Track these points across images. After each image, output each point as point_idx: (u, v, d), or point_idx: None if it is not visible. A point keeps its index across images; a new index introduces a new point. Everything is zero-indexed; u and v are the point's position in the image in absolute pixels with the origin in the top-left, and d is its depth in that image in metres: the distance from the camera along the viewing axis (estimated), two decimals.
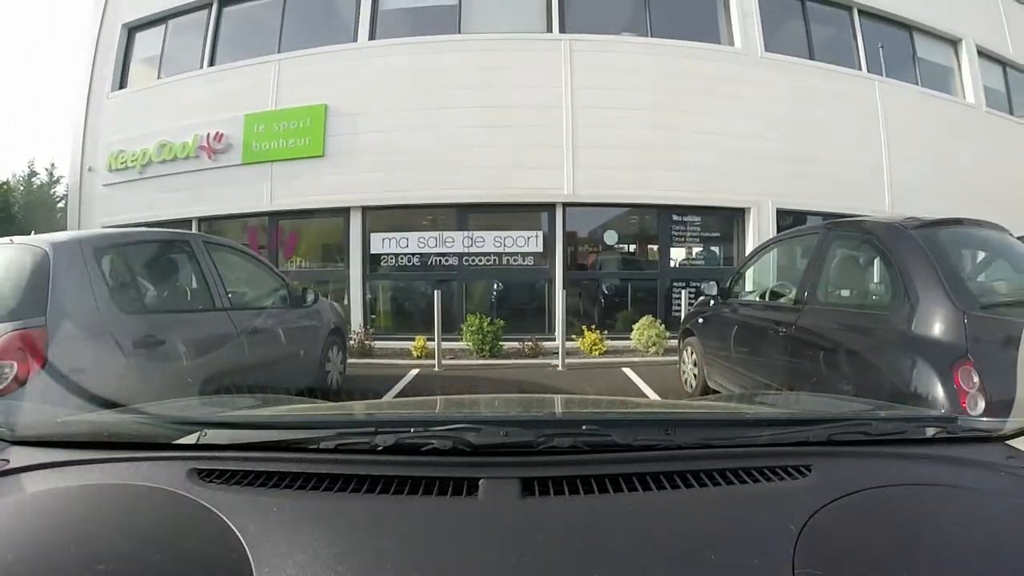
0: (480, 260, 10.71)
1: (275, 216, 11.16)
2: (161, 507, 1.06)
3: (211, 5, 12.52)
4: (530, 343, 9.12)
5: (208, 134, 11.30)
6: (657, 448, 1.23)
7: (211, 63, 12.28)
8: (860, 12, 12.10)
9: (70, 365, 3.27)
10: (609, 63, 10.69)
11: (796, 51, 11.51)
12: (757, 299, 4.98)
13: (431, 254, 10.76)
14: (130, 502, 1.09)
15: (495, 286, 11.00)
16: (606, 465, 1.15)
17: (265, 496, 1.07)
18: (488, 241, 10.53)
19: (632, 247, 11.63)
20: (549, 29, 10.93)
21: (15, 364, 3.05)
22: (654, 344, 8.99)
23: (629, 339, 9.56)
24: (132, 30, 13.54)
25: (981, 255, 3.83)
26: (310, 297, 5.78)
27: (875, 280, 3.71)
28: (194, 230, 10.71)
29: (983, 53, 13.24)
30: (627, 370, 7.95)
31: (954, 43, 13.02)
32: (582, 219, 11.14)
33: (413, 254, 10.78)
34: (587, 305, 10.87)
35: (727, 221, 10.93)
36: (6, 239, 3.74)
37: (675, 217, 10.77)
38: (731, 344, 4.96)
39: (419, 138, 10.49)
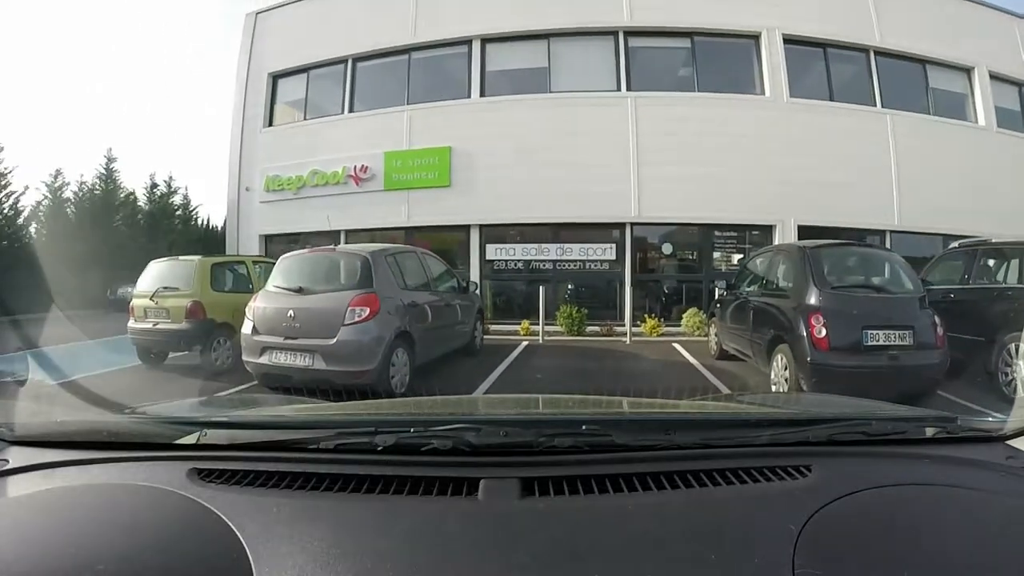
0: (568, 265, 14.17)
1: (411, 230, 14.61)
2: (161, 507, 1.09)
3: (347, 60, 16.26)
4: (606, 326, 12.53)
5: (355, 166, 15.01)
6: (657, 448, 1.27)
7: (351, 108, 16.06)
8: (876, 53, 14.65)
9: (386, 309, 6.38)
10: (665, 114, 13.83)
11: (817, 93, 14.32)
12: (744, 289, 8.08)
13: (532, 260, 14.31)
14: (130, 502, 1.12)
15: (576, 286, 14.28)
16: (606, 465, 1.19)
17: (265, 496, 1.11)
18: (575, 251, 14.00)
19: (683, 255, 14.67)
20: (618, 88, 14.28)
21: (367, 309, 6.32)
22: (697, 328, 12.14)
23: (679, 325, 12.77)
24: (276, 77, 17.52)
25: (852, 261, 6.85)
26: (470, 287, 9.43)
27: (789, 276, 6.75)
28: (341, 241, 14.28)
29: (997, 77, 15.27)
30: (676, 345, 10.93)
31: (967, 71, 15.21)
32: (645, 234, 14.37)
33: (518, 260, 14.40)
34: (649, 299, 14.16)
35: (758, 234, 13.91)
36: (354, 246, 7.32)
37: (716, 233, 14.04)
38: (729, 316, 8.31)
39: (521, 172, 13.89)
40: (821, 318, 5.77)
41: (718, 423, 1.63)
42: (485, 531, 0.99)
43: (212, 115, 65.38)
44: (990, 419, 1.60)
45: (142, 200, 27.90)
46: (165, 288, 8.75)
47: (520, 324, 12.63)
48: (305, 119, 16.93)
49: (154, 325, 8.64)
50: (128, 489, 1.16)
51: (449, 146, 14.49)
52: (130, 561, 0.93)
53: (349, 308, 6.29)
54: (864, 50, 14.75)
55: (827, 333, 5.70)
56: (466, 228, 14.49)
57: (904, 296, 6.27)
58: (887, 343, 5.72)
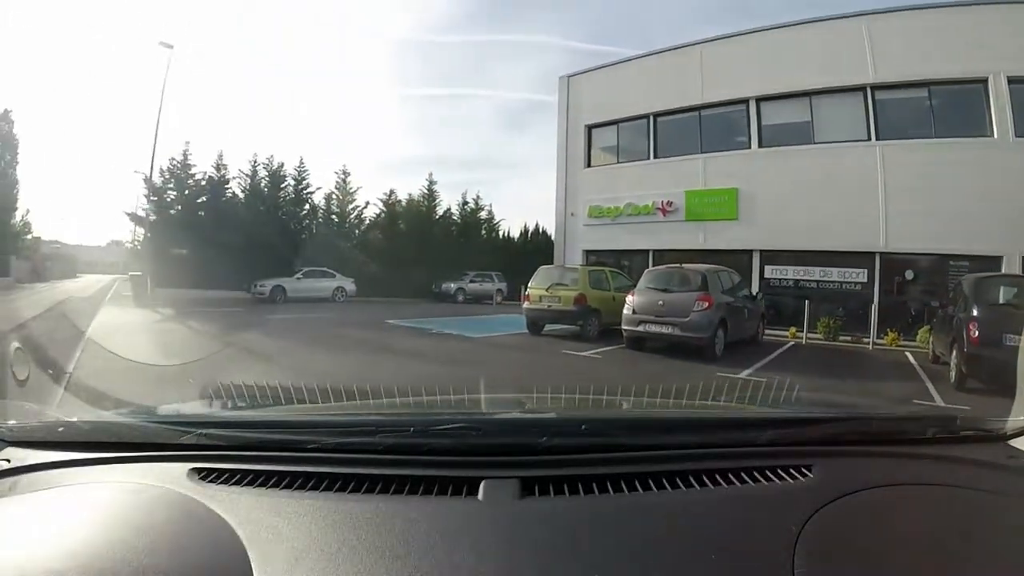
0: (828, 284, 17.64)
1: (705, 252, 18.45)
2: (161, 507, 1.12)
3: (649, 116, 21.70)
4: (855, 336, 15.76)
5: (662, 201, 20.35)
6: (657, 448, 1.31)
7: (655, 155, 21.44)
8: None
9: (715, 304, 11.17)
10: (907, 158, 16.44)
11: None
12: (949, 308, 10.61)
13: (799, 279, 18.11)
14: (130, 502, 1.15)
15: (833, 302, 17.11)
16: (606, 465, 1.22)
17: (265, 496, 1.15)
18: (834, 273, 17.61)
19: (923, 280, 16.72)
20: (868, 137, 17.30)
21: (706, 303, 11.10)
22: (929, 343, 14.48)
23: (915, 340, 14.86)
24: (591, 128, 23.56)
25: (1005, 287, 9.66)
26: (757, 294, 14.31)
27: (964, 296, 9.59)
28: (650, 261, 19.20)
29: None
30: (907, 353, 13.46)
31: None
32: (891, 262, 16.90)
33: (789, 279, 18.33)
34: (892, 316, 16.06)
35: (985, 264, 14.81)
36: (695, 265, 12.55)
37: (951, 262, 16.05)
38: (936, 327, 11.79)
39: (792, 208, 17.74)
40: (974, 325, 8.62)
41: (718, 423, 1.71)
42: (486, 531, 1.02)
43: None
44: (990, 419, 1.59)
45: (456, 214, 36.37)
46: (558, 284, 14.51)
47: (788, 330, 16.17)
48: (618, 162, 22.79)
49: (548, 307, 14.28)
50: (128, 489, 1.18)
51: (736, 187, 19.06)
52: (130, 561, 0.94)
53: (696, 300, 11.21)
54: None
55: (978, 334, 8.46)
56: (749, 252, 18.75)
57: None
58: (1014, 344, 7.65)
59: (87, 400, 4.02)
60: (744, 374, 9.71)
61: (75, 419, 1.54)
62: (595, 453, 1.27)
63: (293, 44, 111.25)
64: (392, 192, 35.05)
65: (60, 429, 1.50)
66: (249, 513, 1.07)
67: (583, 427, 1.45)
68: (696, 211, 19.84)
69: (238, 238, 26.91)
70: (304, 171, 32.52)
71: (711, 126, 20.45)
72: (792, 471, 1.24)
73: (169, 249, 26.10)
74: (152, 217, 27.47)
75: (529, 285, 15.03)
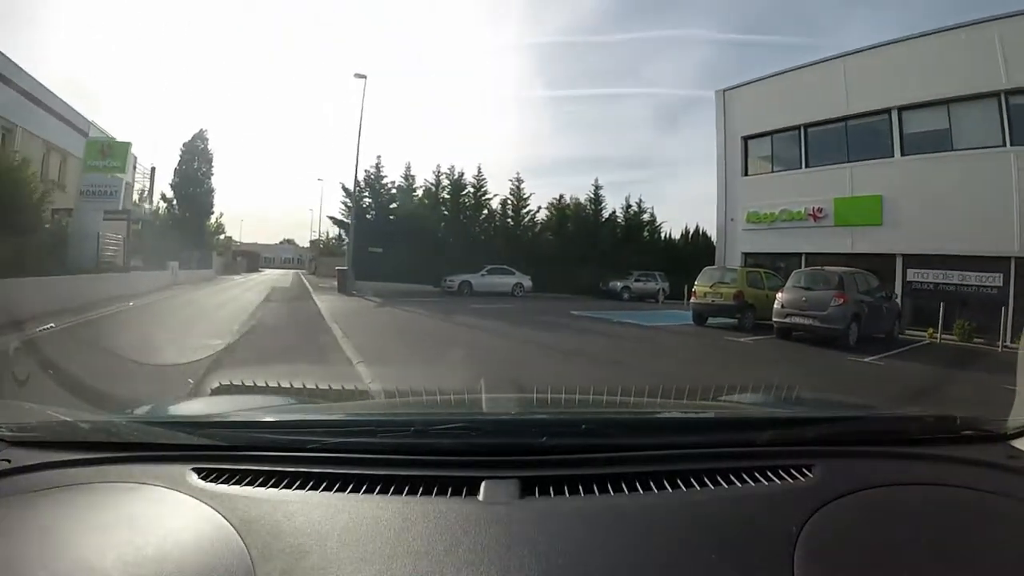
0: (966, 288, 18.61)
1: (852, 256, 20.10)
2: (161, 507, 1.13)
3: (800, 127, 24.06)
4: (988, 338, 16.52)
5: (813, 207, 22.75)
6: (657, 449, 1.33)
7: (806, 164, 23.79)
8: None
9: (850, 300, 13.93)
10: None
11: None
12: None
13: (939, 283, 19.27)
14: (130, 502, 1.16)
15: (969, 304, 18.00)
16: (606, 466, 1.24)
17: (265, 496, 1.16)
18: (971, 277, 18.53)
19: None
20: (1003, 143, 18.28)
21: (842, 299, 13.86)
22: None
23: None
24: (746, 139, 26.22)
25: None
26: (892, 295, 16.85)
27: None
28: (802, 263, 20.45)
29: None
30: None
31: None
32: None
33: (928, 281, 19.65)
34: None
35: None
36: (832, 268, 15.40)
37: None
38: None
39: (934, 214, 18.82)
40: None
41: (718, 423, 1.74)
42: (486, 532, 1.02)
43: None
44: (990, 419, 1.62)
45: (620, 217, 40.00)
46: (720, 282, 17.72)
47: (927, 330, 17.57)
48: (772, 171, 25.41)
49: (711, 302, 17.57)
50: (128, 489, 1.19)
51: (880, 194, 20.87)
52: (130, 561, 0.96)
53: (833, 297, 13.90)
54: None
55: None
56: (892, 256, 20.28)
57: None
58: None
59: (88, 400, 4.15)
60: (868, 359, 12.08)
61: (75, 419, 1.60)
62: (595, 453, 1.29)
63: (462, 68, 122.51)
64: (561, 197, 39.75)
65: (60, 429, 1.55)
66: (249, 513, 1.09)
67: (583, 427, 1.49)
68: (844, 217, 21.89)
69: (424, 238, 32.51)
70: (482, 179, 37.48)
71: (856, 135, 22.29)
72: (792, 471, 1.27)
73: (366, 247, 31.39)
74: (351, 220, 32.82)
75: (695, 283, 18.34)
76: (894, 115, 20.97)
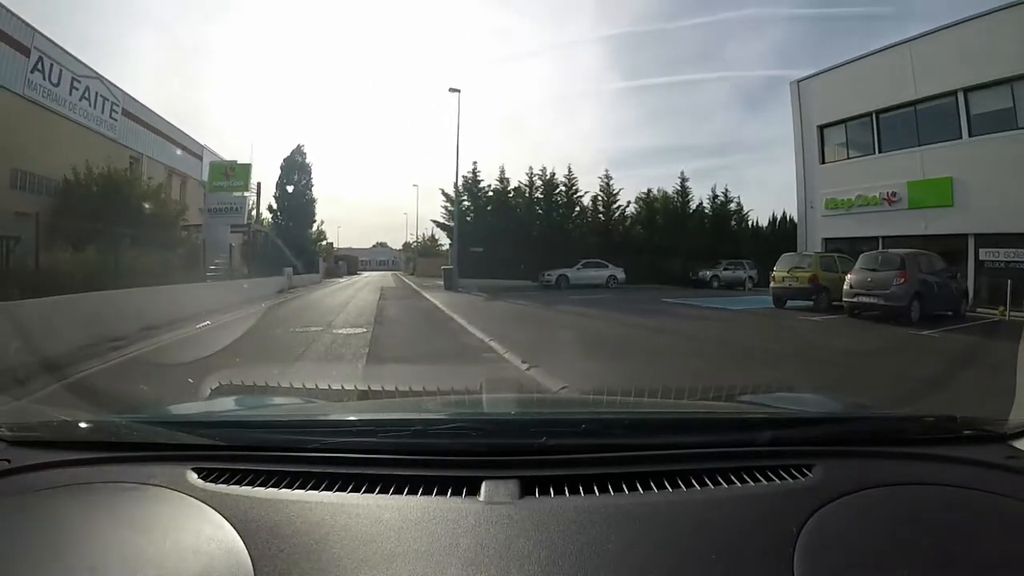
0: None
1: (926, 237, 21.21)
2: (162, 507, 1.15)
3: (871, 114, 25.39)
4: None
5: (888, 192, 24.14)
6: (657, 449, 1.34)
7: (879, 150, 25.14)
8: None
9: (912, 280, 15.11)
10: None
11: None
12: None
13: (1010, 260, 20.00)
14: (130, 502, 1.18)
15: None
16: (606, 465, 1.25)
17: (265, 496, 1.17)
18: None
19: None
20: None
21: (903, 279, 15.01)
22: None
23: None
24: (822, 128, 27.73)
25: None
26: (957, 276, 18.26)
27: None
28: (879, 246, 21.68)
29: None
30: None
31: None
32: None
33: (1000, 260, 20.35)
34: None
35: None
36: (897, 250, 17.32)
37: None
38: None
39: (1001, 193, 19.53)
40: None
41: (718, 423, 1.74)
42: (486, 532, 1.03)
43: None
44: (990, 419, 1.62)
45: (707, 207, 42.03)
46: (796, 267, 19.56)
47: (998, 309, 17.65)
48: (848, 158, 26.87)
49: (789, 285, 19.31)
50: (128, 489, 1.20)
51: (950, 176, 21.77)
52: (130, 561, 0.97)
53: (895, 277, 14.97)
54: None
55: None
56: (964, 236, 21.16)
57: None
58: None
59: (87, 400, 4.14)
60: (926, 332, 13.09)
61: (75, 419, 1.61)
62: (595, 453, 1.30)
63: (545, 71, 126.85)
64: (649, 191, 42.11)
65: (60, 429, 1.58)
66: (249, 513, 1.10)
67: (583, 427, 1.50)
68: (917, 200, 23.04)
69: (521, 236, 35.57)
70: (573, 178, 40.15)
71: (925, 119, 23.20)
72: (792, 471, 1.27)
73: (467, 247, 34.47)
74: (453, 223, 36.01)
75: (774, 269, 20.27)
76: (960, 97, 21.69)
